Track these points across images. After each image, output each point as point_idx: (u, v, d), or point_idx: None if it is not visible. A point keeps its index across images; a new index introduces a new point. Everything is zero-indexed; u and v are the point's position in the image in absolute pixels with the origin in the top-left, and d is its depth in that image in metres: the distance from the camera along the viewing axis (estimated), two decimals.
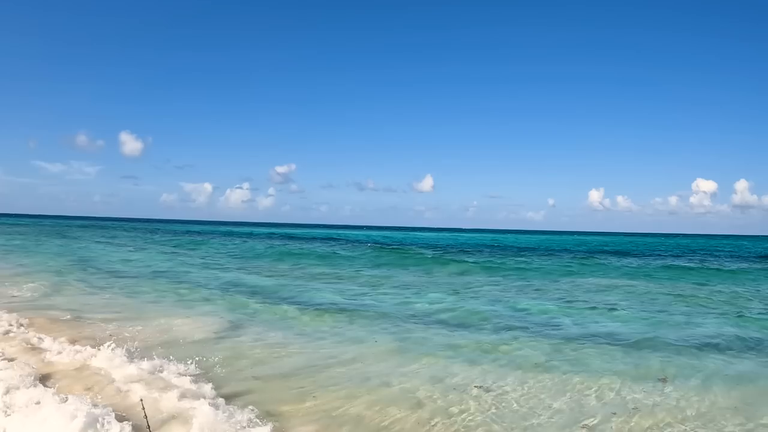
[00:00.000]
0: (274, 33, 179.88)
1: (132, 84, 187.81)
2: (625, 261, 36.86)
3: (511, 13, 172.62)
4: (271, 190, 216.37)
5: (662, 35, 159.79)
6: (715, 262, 36.62)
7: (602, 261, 36.36)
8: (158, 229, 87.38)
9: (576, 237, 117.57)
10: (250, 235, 75.59)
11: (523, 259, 36.69)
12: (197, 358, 8.13)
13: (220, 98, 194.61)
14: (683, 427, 6.28)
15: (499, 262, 33.49)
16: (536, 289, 20.01)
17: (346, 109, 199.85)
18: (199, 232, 78.32)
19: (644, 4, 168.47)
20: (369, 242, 58.89)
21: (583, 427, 6.16)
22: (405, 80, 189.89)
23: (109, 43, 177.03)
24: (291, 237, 71.23)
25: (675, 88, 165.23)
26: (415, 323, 12.48)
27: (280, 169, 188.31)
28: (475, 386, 7.51)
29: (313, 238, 67.99)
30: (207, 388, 6.80)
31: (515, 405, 6.88)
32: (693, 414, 6.67)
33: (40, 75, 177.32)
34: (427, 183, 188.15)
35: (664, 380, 8.22)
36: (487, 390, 7.42)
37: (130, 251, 35.44)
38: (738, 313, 15.09)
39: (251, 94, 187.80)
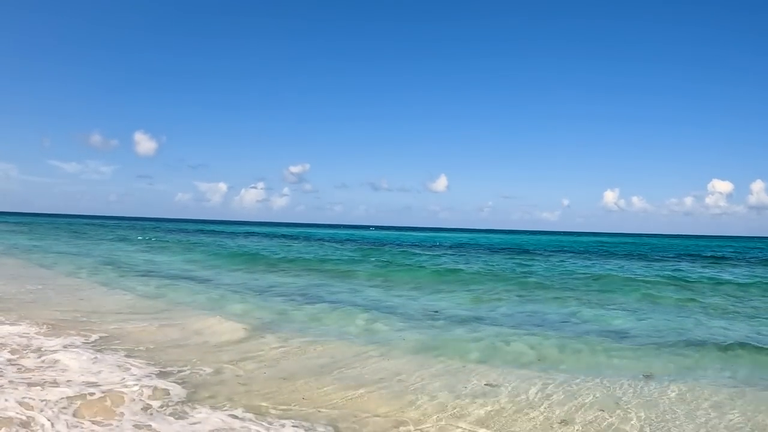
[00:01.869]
0: (287, 31, 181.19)
1: (145, 83, 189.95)
2: (638, 263, 36.84)
3: (527, 10, 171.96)
4: (285, 190, 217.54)
5: (679, 32, 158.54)
6: (730, 265, 36.45)
7: (616, 262, 36.42)
8: (173, 229, 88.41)
9: (590, 238, 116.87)
10: (264, 234, 76.24)
11: (537, 260, 36.86)
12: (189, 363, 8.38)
13: (234, 97, 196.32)
14: (668, 423, 6.54)
15: (514, 263, 33.68)
16: (551, 289, 20.17)
17: (359, 109, 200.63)
18: (213, 231, 79.24)
19: None
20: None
21: (563, 423, 6.42)
22: (419, 79, 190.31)
23: (123, 42, 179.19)
24: (293, 237, 71.76)
25: (691, 87, 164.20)
26: (433, 322, 12.93)
27: (294, 169, 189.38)
28: (485, 384, 7.87)
29: (332, 239, 68.48)
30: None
31: (516, 400, 7.25)
32: (675, 411, 6.91)
33: (52, 73, 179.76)
34: (441, 183, 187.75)
35: (649, 376, 8.53)
36: (496, 386, 7.79)
37: (145, 251, 36.16)
38: (745, 318, 15.21)
39: (264, 93, 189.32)
